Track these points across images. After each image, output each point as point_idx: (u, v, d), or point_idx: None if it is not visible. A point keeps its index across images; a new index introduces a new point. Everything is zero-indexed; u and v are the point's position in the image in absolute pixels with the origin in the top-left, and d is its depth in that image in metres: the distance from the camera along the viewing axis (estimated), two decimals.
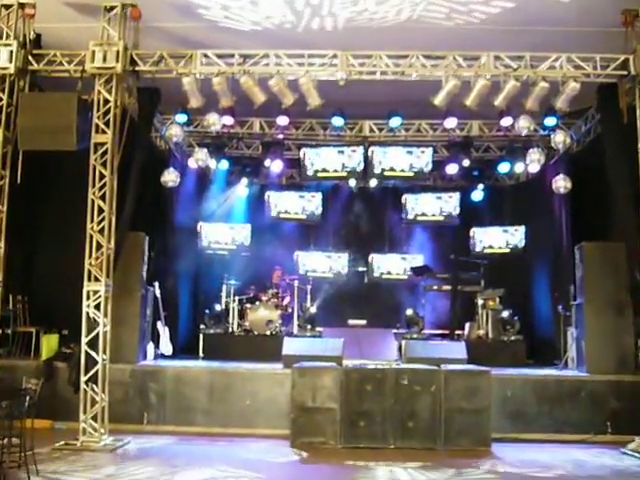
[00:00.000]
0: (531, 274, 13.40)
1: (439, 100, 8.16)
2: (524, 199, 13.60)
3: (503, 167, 12.78)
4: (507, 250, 13.69)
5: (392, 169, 11.85)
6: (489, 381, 8.10)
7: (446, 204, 13.37)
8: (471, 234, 13.79)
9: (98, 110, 8.10)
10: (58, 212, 10.86)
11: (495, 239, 13.74)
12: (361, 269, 13.87)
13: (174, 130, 10.31)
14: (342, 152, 11.84)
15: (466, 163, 11.66)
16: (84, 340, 7.65)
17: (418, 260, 13.64)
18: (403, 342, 10.87)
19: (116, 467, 6.67)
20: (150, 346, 9.93)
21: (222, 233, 13.59)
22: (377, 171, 11.87)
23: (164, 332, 10.02)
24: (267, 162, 11.78)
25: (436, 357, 8.98)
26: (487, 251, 13.62)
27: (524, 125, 9.86)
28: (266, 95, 8.18)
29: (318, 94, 8.15)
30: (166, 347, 10.00)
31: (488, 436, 7.94)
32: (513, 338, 11.40)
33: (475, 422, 7.92)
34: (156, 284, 10.05)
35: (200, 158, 10.78)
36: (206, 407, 8.88)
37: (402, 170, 11.84)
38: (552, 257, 12.30)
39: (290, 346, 9.29)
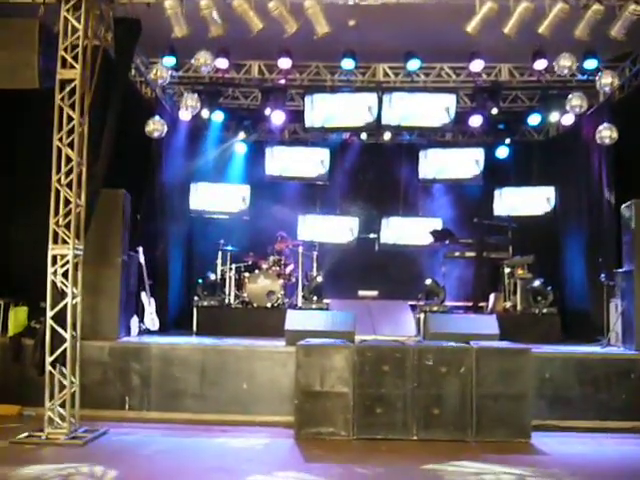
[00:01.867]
0: (563, 239, 12.41)
1: (472, 27, 7.00)
2: (554, 156, 12.56)
3: (533, 119, 11.81)
4: (536, 213, 12.67)
5: (412, 119, 10.64)
6: (529, 361, 7.06)
7: (469, 161, 12.29)
8: (496, 195, 12.76)
9: (65, 41, 6.96)
10: (32, 167, 9.75)
11: (523, 201, 12.81)
12: (372, 236, 12.84)
13: (159, 72, 9.16)
14: (358, 98, 10.61)
15: (494, 111, 10.52)
16: (49, 314, 6.61)
17: (436, 224, 12.60)
18: (423, 315, 9.91)
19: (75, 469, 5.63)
20: (134, 320, 8.94)
21: (218, 194, 12.70)
22: (394, 121, 10.69)
23: (149, 304, 8.99)
24: (267, 111, 10.61)
25: (464, 333, 7.97)
26: (513, 214, 12.59)
27: (565, 64, 8.74)
28: (264, 21, 7.00)
29: (326, 20, 6.96)
30: (152, 321, 8.99)
31: (527, 426, 6.92)
32: (545, 311, 10.37)
33: (512, 410, 6.90)
34: (140, 249, 9.01)
35: (191, 105, 9.62)
36: (197, 391, 7.88)
37: (424, 120, 10.64)
38: (588, 220, 11.21)
39: (294, 320, 8.26)
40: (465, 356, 7.03)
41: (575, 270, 11.57)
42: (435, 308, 10.23)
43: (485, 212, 12.39)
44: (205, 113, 10.93)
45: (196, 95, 9.75)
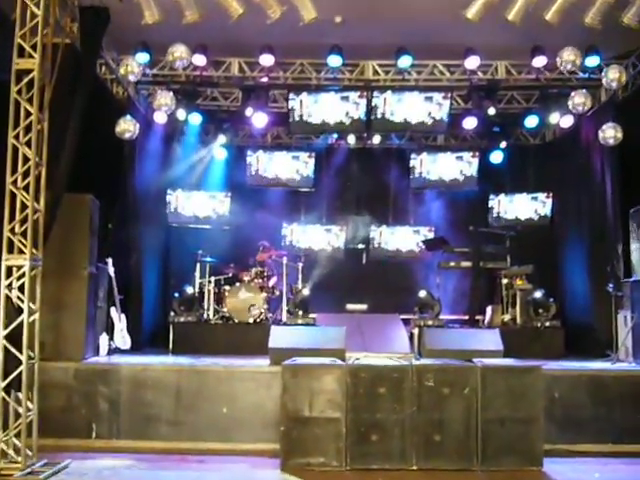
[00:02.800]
0: (562, 248, 11.90)
1: (473, 13, 6.46)
2: (551, 160, 12.13)
3: (530, 121, 11.23)
4: (532, 220, 12.19)
5: (406, 120, 10.06)
6: (539, 381, 6.47)
7: (463, 166, 11.81)
8: (491, 202, 12.23)
9: (22, 27, 6.31)
10: None
11: (520, 208, 12.26)
12: (360, 246, 12.30)
13: (130, 67, 8.54)
14: (346, 98, 10.01)
15: (492, 111, 9.96)
16: (2, 332, 5.92)
17: (428, 232, 12.17)
18: (418, 330, 9.31)
19: None
20: (103, 338, 8.24)
21: (196, 202, 12.02)
22: (383, 122, 10.10)
23: (120, 320, 8.30)
24: (248, 112, 9.98)
25: (465, 349, 7.39)
26: (509, 222, 12.11)
27: (569, 58, 8.29)
28: (243, 5, 6.41)
29: (312, 5, 6.39)
30: (122, 339, 8.30)
31: (539, 453, 6.32)
32: (548, 324, 9.84)
33: (522, 435, 6.30)
34: (109, 261, 8.33)
35: (165, 103, 8.96)
36: (172, 417, 7.20)
37: (416, 120, 10.07)
38: (590, 226, 10.69)
39: (278, 337, 7.62)
40: (469, 376, 6.43)
41: (576, 280, 11.03)
42: (430, 322, 9.65)
43: (480, 220, 11.90)
44: (181, 114, 10.28)
45: (171, 93, 9.10)
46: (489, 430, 6.28)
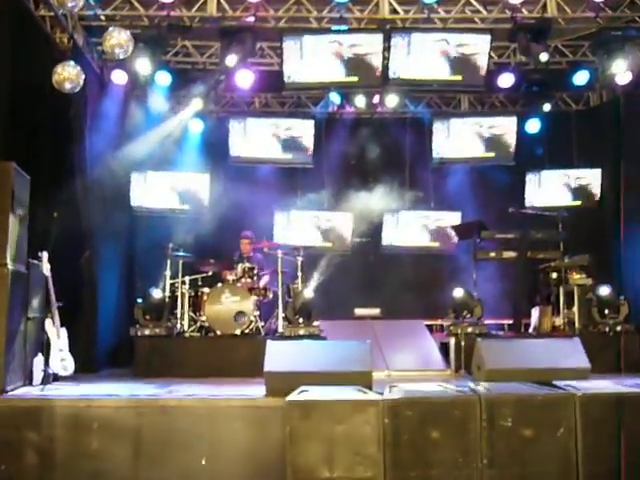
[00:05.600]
0: (616, 234, 10.02)
1: None
2: (598, 130, 10.41)
3: (580, 77, 9.55)
4: (578, 202, 10.42)
5: (429, 71, 8.18)
6: None
7: (500, 134, 10.08)
8: (528, 179, 10.41)
9: None
10: None
11: (563, 186, 10.51)
12: (370, 237, 10.50)
13: None
14: (357, 41, 8.04)
15: (544, 58, 8.08)
16: None
17: (454, 218, 10.32)
18: (455, 341, 7.45)
19: None
20: (37, 362, 6.25)
21: (167, 185, 10.29)
22: (405, 74, 8.18)
23: (58, 337, 6.30)
24: (229, 61, 7.96)
25: (540, 368, 5.46)
26: (552, 204, 10.33)
27: None
28: None
29: None
30: (61, 362, 6.27)
31: None
32: (619, 328, 7.96)
33: None
34: (44, 256, 6.35)
35: (118, 44, 6.83)
36: (129, 473, 5.27)
37: (445, 73, 8.19)
38: None
39: (277, 356, 5.64)
40: (564, 409, 4.53)
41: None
42: (469, 329, 7.71)
43: (514, 201, 10.08)
44: (144, 68, 8.31)
45: (127, 32, 7.07)
46: None
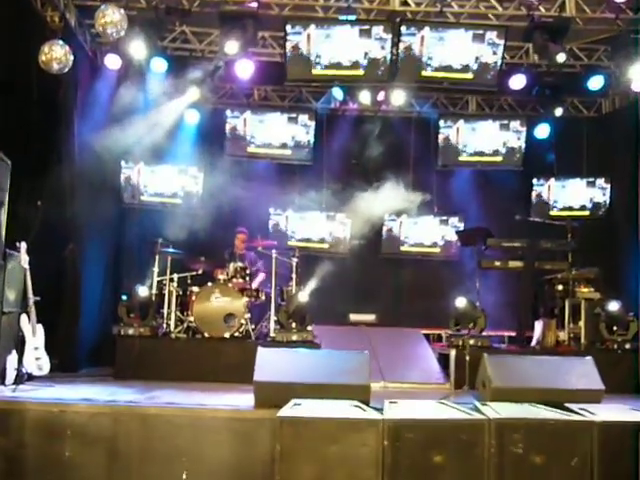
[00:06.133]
0: (626, 246, 9.64)
1: None
2: (609, 138, 10.08)
3: (594, 82, 9.24)
4: (586, 212, 10.15)
5: (446, 66, 7.78)
6: None
7: (511, 137, 9.84)
8: (536, 187, 10.07)
9: None
10: None
11: (573, 195, 10.19)
12: (369, 239, 10.16)
13: None
14: (367, 33, 7.62)
15: (561, 58, 7.73)
16: None
17: (457, 223, 10.11)
18: (455, 353, 7.07)
19: None
20: (11, 360, 5.86)
21: (158, 178, 9.90)
22: (413, 69, 7.80)
23: (33, 334, 5.90)
24: (229, 48, 7.58)
25: (552, 388, 5.11)
26: (561, 212, 10.12)
27: None
28: None
29: None
30: (36, 362, 5.88)
31: None
32: (628, 346, 7.62)
33: None
34: (23, 247, 5.96)
35: (111, 21, 6.41)
36: None
37: (462, 66, 7.79)
38: None
39: (268, 365, 5.27)
40: (579, 437, 4.17)
41: None
42: (472, 341, 7.33)
43: (520, 208, 9.74)
44: (139, 52, 7.93)
45: (121, 11, 6.66)
46: None
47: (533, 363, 5.46)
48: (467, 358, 6.19)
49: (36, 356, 5.90)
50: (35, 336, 5.93)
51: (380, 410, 4.43)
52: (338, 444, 4.07)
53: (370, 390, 5.04)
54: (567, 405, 4.71)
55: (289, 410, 4.33)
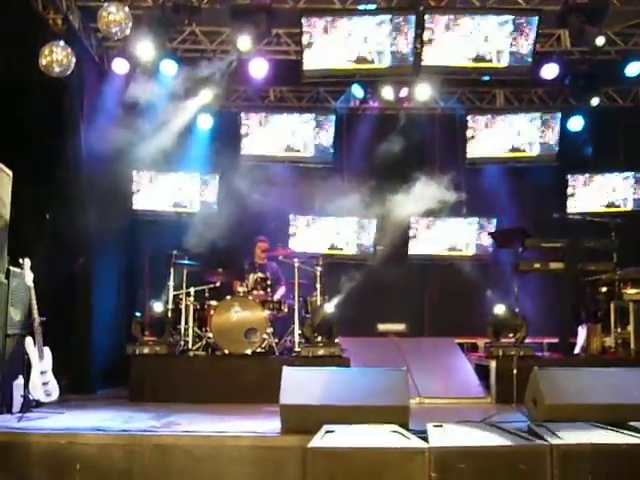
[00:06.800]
0: None
1: None
2: None
3: (632, 68, 8.74)
4: (628, 208, 9.74)
5: (476, 56, 7.31)
6: None
7: (543, 132, 9.34)
8: (571, 182, 9.58)
9: None
10: None
11: (610, 191, 9.72)
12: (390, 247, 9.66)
13: None
14: (387, 22, 7.14)
15: (600, 42, 7.23)
16: None
17: (489, 225, 9.59)
18: (495, 364, 6.61)
19: None
20: (17, 386, 5.47)
21: (171, 186, 9.50)
22: (439, 61, 7.34)
23: (41, 358, 5.50)
24: (242, 44, 7.17)
25: (610, 404, 4.60)
26: (596, 209, 9.57)
27: None
28: None
29: None
30: (42, 388, 5.47)
31: None
32: None
33: None
34: (26, 263, 5.57)
35: (115, 20, 6.02)
36: None
37: (492, 55, 7.32)
38: None
39: (295, 385, 4.82)
40: None
41: None
42: (513, 351, 6.83)
43: (556, 206, 9.25)
44: (147, 54, 7.55)
45: (126, 9, 6.27)
46: None
47: (589, 376, 4.94)
48: (514, 372, 5.68)
49: (43, 381, 5.48)
50: (42, 360, 5.52)
51: (424, 436, 3.96)
52: (378, 478, 3.60)
53: (409, 412, 4.57)
54: (632, 424, 4.21)
55: (321, 440, 3.87)
